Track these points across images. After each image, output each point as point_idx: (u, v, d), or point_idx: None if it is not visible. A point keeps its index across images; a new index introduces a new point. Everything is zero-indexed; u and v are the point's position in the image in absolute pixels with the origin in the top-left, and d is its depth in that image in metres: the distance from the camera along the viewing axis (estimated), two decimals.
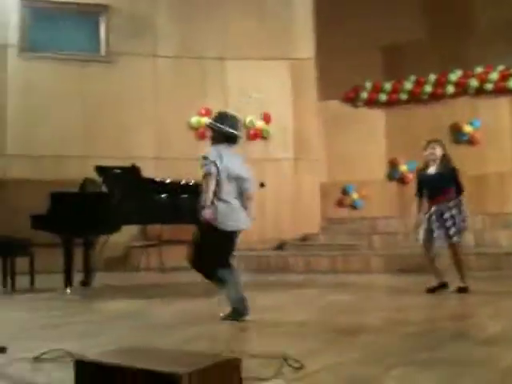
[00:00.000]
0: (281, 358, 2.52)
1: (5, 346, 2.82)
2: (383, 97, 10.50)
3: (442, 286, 5.28)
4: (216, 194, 3.85)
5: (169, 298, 5.32)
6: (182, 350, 2.79)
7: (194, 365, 1.84)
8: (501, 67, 9.69)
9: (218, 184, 3.86)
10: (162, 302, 5.07)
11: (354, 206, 10.43)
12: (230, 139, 4.00)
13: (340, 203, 10.50)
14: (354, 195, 10.45)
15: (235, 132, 4.02)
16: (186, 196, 6.28)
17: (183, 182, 6.57)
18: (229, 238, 3.93)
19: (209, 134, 4.19)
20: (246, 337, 3.39)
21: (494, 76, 9.64)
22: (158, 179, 6.58)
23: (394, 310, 4.36)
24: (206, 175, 3.86)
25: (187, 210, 6.30)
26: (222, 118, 4.06)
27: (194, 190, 6.46)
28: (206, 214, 3.83)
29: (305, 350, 2.88)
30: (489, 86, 9.64)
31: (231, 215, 3.90)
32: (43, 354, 2.68)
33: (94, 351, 2.51)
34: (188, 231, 7.37)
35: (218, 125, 3.99)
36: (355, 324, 3.78)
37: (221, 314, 3.86)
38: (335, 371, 2.47)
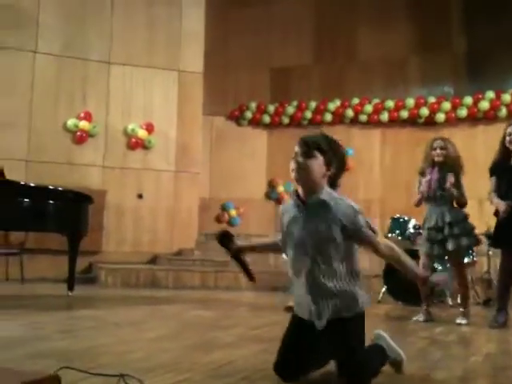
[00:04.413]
0: (119, 376, 2.45)
1: None
2: (266, 118, 10.83)
3: None
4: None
5: (19, 310, 5.00)
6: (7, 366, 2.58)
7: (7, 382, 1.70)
8: (376, 100, 10.35)
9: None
10: (12, 314, 4.75)
11: (231, 223, 10.55)
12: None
13: (218, 219, 10.59)
14: (233, 212, 10.59)
15: None
16: (51, 202, 6.00)
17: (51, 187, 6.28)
18: None
19: None
20: (93, 353, 3.25)
21: (369, 108, 10.28)
22: (22, 182, 6.23)
23: (251, 327, 4.42)
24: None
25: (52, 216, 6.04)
26: None
27: (62, 197, 6.22)
28: None
29: (151, 367, 2.83)
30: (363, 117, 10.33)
31: None
32: None
33: None
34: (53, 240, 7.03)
35: None
36: (208, 340, 3.78)
37: None
38: None
